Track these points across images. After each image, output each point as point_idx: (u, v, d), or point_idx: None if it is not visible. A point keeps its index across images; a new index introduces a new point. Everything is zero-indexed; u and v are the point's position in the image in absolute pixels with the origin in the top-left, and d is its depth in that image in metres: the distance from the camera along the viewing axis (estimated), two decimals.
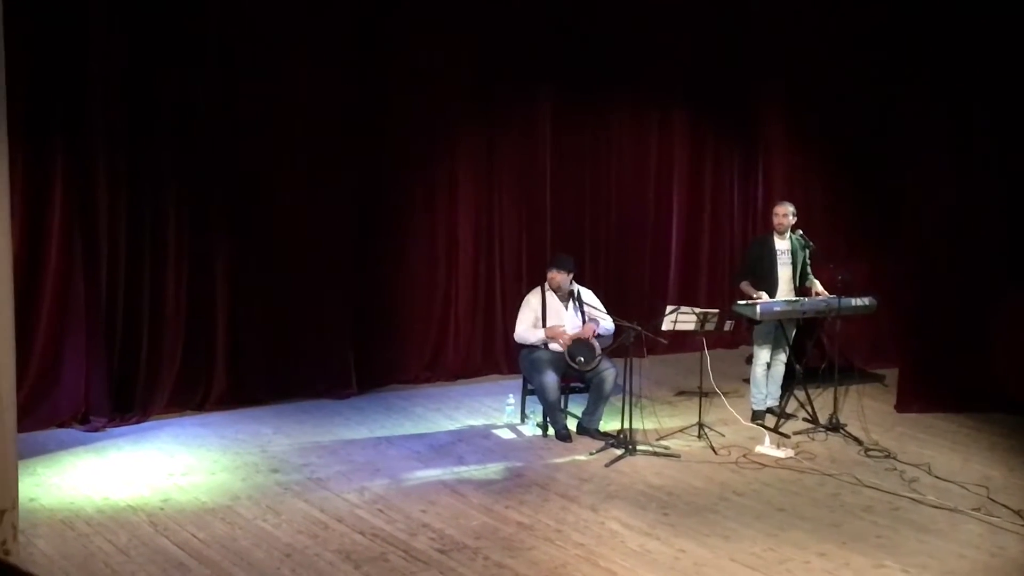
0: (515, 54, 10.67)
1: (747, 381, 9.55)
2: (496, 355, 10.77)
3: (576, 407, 8.93)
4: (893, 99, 10.32)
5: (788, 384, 9.35)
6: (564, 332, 8.65)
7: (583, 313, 8.84)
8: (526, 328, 8.80)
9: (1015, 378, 9.49)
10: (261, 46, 9.30)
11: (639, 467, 7.96)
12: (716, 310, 8.81)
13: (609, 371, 8.58)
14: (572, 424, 8.76)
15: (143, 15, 8.66)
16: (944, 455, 8.36)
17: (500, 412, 9.24)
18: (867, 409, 9.34)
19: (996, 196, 9.52)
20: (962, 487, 7.57)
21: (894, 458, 8.21)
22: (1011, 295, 9.53)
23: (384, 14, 9.89)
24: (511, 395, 9.24)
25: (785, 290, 9.13)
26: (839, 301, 8.88)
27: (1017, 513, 7.07)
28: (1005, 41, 9.24)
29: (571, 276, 8.84)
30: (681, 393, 10.02)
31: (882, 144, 10.75)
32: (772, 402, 9.29)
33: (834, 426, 8.80)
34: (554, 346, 8.69)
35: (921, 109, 9.71)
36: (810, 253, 9.24)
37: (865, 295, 9.27)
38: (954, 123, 9.53)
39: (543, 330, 8.72)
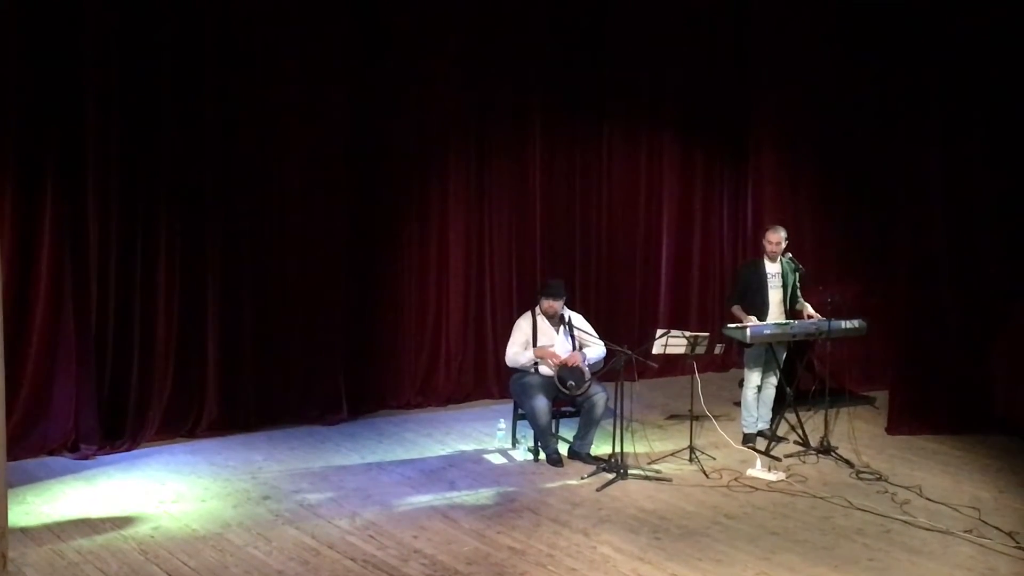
0: (506, 76, 10.73)
1: (738, 404, 9.55)
2: (487, 380, 10.78)
3: (567, 431, 8.92)
4: (885, 120, 10.37)
5: (779, 407, 9.36)
6: (554, 352, 8.65)
7: (573, 338, 8.84)
8: (517, 351, 8.80)
9: (1005, 400, 9.52)
10: (255, 81, 9.36)
11: (630, 491, 7.95)
12: (706, 333, 8.82)
13: (600, 395, 8.58)
14: (563, 448, 8.75)
15: (138, 43, 8.70)
16: (935, 477, 8.37)
17: (491, 437, 9.24)
18: (858, 431, 9.33)
19: (990, 217, 9.55)
20: (953, 509, 7.58)
21: (885, 480, 8.21)
22: (1002, 317, 9.56)
23: (376, 37, 9.93)
24: (502, 420, 9.24)
25: (775, 313, 9.15)
26: (829, 324, 8.90)
27: (1008, 535, 7.07)
28: (1000, 59, 9.30)
29: (563, 302, 8.85)
30: (672, 417, 10.03)
31: (873, 165, 10.79)
32: (763, 425, 9.29)
33: (825, 449, 8.80)
34: (544, 370, 8.69)
35: (914, 129, 9.75)
36: (800, 276, 9.27)
37: (855, 317, 9.29)
38: (948, 144, 9.57)
39: (532, 350, 8.72)
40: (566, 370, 8.59)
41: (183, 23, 8.93)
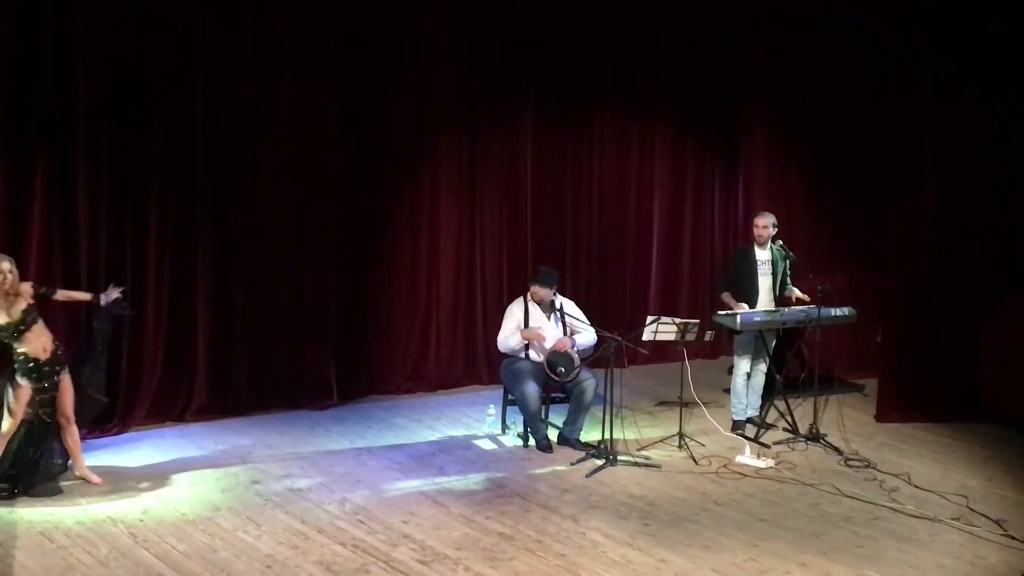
0: (498, 64, 10.71)
1: (727, 391, 9.56)
2: (477, 366, 10.78)
3: (557, 417, 8.93)
4: (877, 110, 10.36)
5: (768, 394, 9.37)
6: (540, 334, 8.65)
7: (564, 324, 8.84)
8: (507, 335, 8.79)
9: (994, 389, 9.55)
10: (248, 67, 9.31)
11: (620, 477, 7.96)
12: (696, 320, 8.83)
13: (589, 381, 8.59)
14: (553, 434, 8.76)
15: (128, 31, 8.65)
16: (923, 465, 8.39)
17: (481, 422, 9.24)
18: (847, 419, 9.33)
19: (982, 207, 9.56)
20: (942, 497, 7.60)
21: (874, 468, 8.24)
22: (993, 306, 9.58)
23: (369, 28, 9.89)
24: (492, 405, 9.24)
25: (766, 300, 9.16)
26: (819, 311, 8.91)
27: (996, 523, 7.10)
28: (992, 43, 9.30)
29: (552, 291, 8.84)
30: (662, 403, 10.04)
31: (864, 153, 10.78)
32: (752, 412, 9.31)
33: (814, 436, 8.82)
34: (534, 356, 8.70)
35: (907, 120, 9.74)
36: (790, 263, 9.28)
37: (845, 305, 9.31)
38: (941, 134, 9.56)
39: (520, 331, 8.72)
40: (556, 356, 8.59)
41: (173, 9, 8.89)
